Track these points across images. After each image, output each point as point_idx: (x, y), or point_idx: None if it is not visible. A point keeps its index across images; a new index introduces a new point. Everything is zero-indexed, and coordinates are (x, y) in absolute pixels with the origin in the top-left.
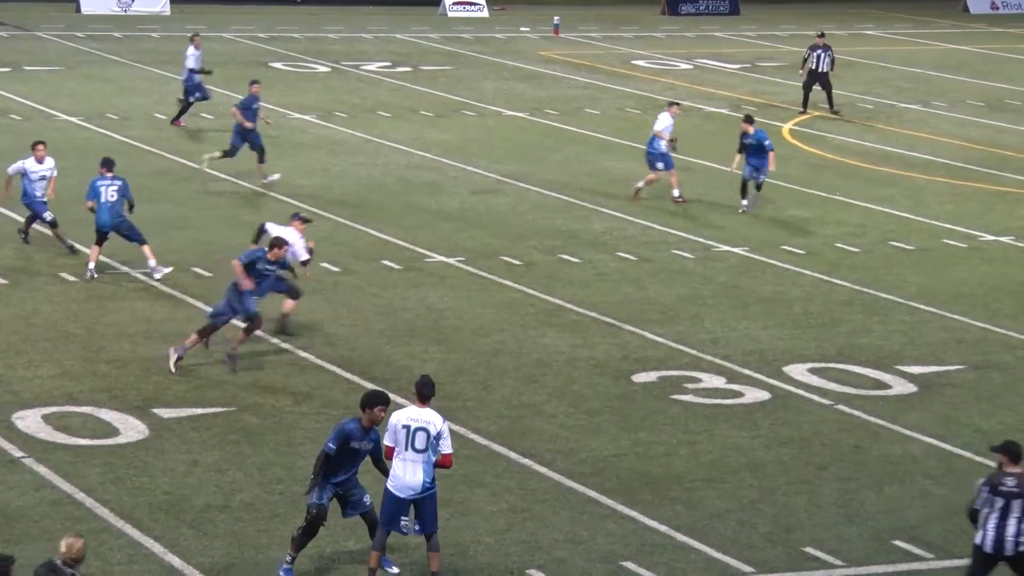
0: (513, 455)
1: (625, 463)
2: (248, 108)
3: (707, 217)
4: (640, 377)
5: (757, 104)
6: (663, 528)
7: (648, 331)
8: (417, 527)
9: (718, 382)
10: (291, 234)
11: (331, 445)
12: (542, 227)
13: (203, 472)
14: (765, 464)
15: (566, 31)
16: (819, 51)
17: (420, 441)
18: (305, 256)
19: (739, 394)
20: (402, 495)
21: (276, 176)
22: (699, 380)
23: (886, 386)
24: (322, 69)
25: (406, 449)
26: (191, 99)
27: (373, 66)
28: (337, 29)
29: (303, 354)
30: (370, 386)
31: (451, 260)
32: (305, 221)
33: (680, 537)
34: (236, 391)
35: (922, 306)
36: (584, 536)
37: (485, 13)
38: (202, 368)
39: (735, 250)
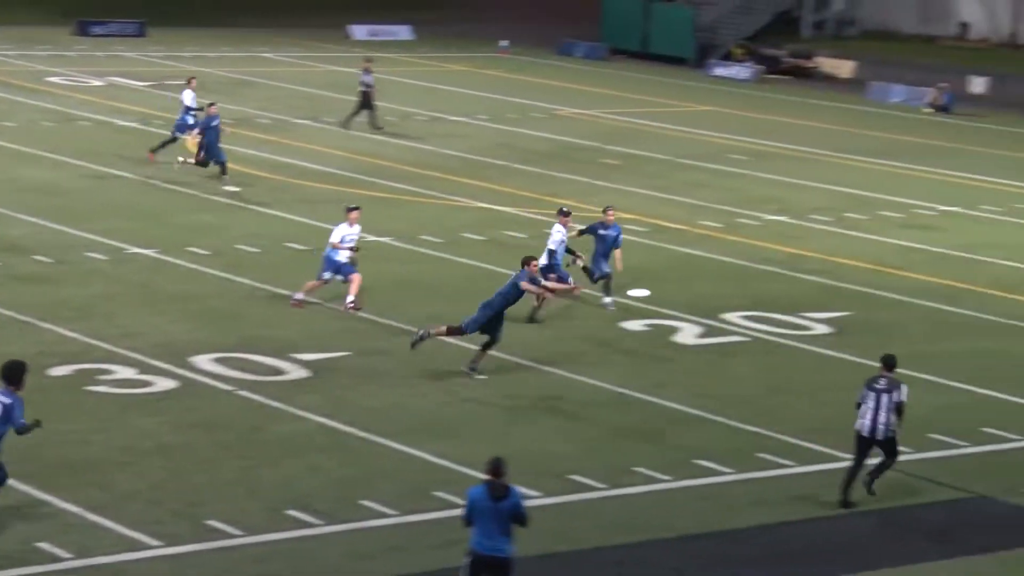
0: None
1: (45, 451)
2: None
3: (117, 221)
4: (56, 371)
5: (165, 119)
6: (77, 509)
7: (64, 328)
8: None
9: (130, 373)
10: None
11: None
12: None
13: None
14: (173, 447)
15: None
16: (365, 74)
17: None
18: None
19: (150, 384)
20: None
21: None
22: (112, 372)
23: (283, 372)
24: None
25: None
26: (177, 135)
27: None
28: None
29: None
30: None
31: None
32: None
33: (93, 517)
34: None
35: (314, 300)
36: None
37: None
38: None
39: (146, 252)
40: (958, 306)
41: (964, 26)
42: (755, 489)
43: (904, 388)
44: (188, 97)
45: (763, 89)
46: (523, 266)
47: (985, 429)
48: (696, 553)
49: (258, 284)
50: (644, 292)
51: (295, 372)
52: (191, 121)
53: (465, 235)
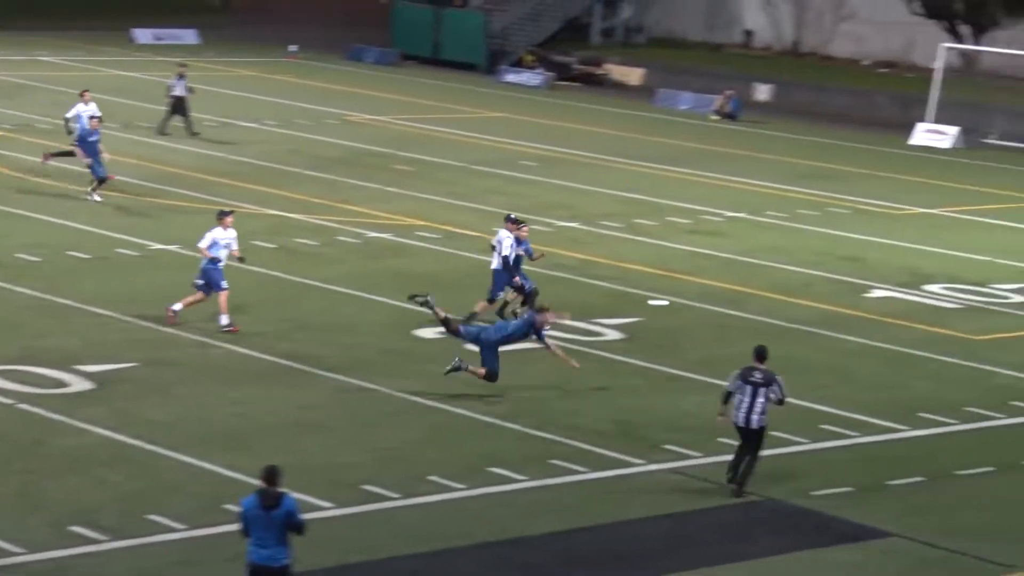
0: None
1: None
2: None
3: None
4: None
5: None
6: None
7: None
8: None
9: None
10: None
11: None
12: None
13: None
14: None
15: None
16: (178, 80)
17: None
18: None
19: None
20: None
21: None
22: None
23: (65, 384)
24: None
25: None
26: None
27: None
28: None
29: None
30: None
31: None
32: None
33: None
34: None
35: (100, 310)
36: None
37: None
38: None
39: None
40: (743, 310)
41: (749, 34)
42: (549, 495)
43: (781, 382)
44: (80, 109)
45: (554, 96)
46: (535, 310)
47: (772, 432)
48: (492, 561)
49: (39, 294)
50: (663, 302)
51: (78, 384)
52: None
53: (255, 243)
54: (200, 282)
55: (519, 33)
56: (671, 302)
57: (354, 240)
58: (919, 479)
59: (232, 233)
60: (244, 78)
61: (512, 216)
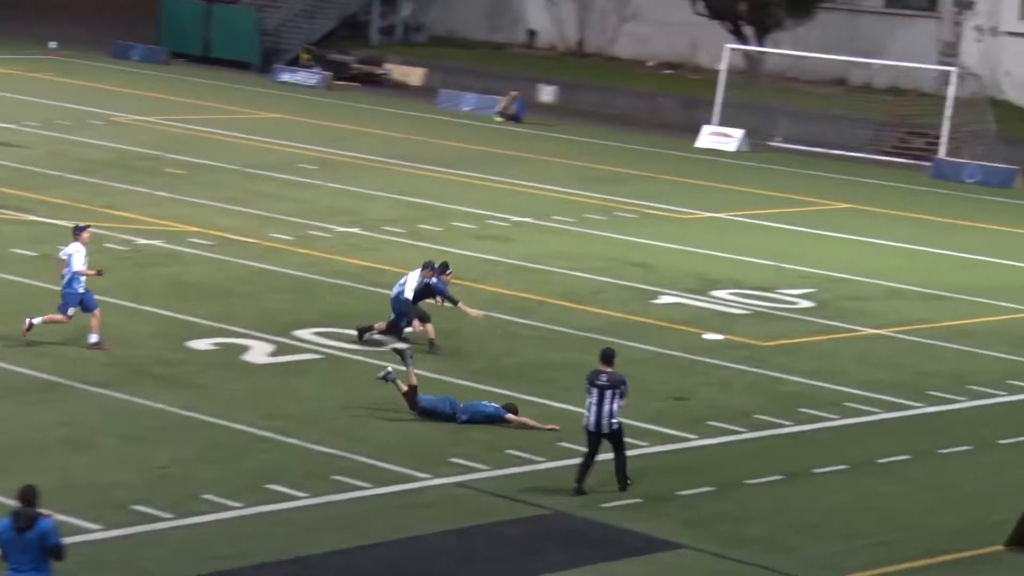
0: None
1: None
2: None
3: None
4: None
5: None
6: None
7: None
8: None
9: None
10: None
11: None
12: None
13: None
14: None
15: None
16: None
17: None
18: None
19: None
20: None
21: None
22: None
23: None
24: None
25: None
26: None
27: None
28: None
29: None
30: None
31: None
32: None
33: None
34: None
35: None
36: None
37: None
38: None
39: None
40: (531, 318)
41: (532, 34)
42: (331, 513)
43: (627, 386)
44: None
45: (332, 96)
46: (505, 408)
47: (558, 443)
48: None
49: None
50: (718, 336)
51: None
52: None
53: (14, 251)
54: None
55: (294, 30)
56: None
57: (122, 247)
58: (708, 489)
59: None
60: (1, 76)
61: (439, 266)
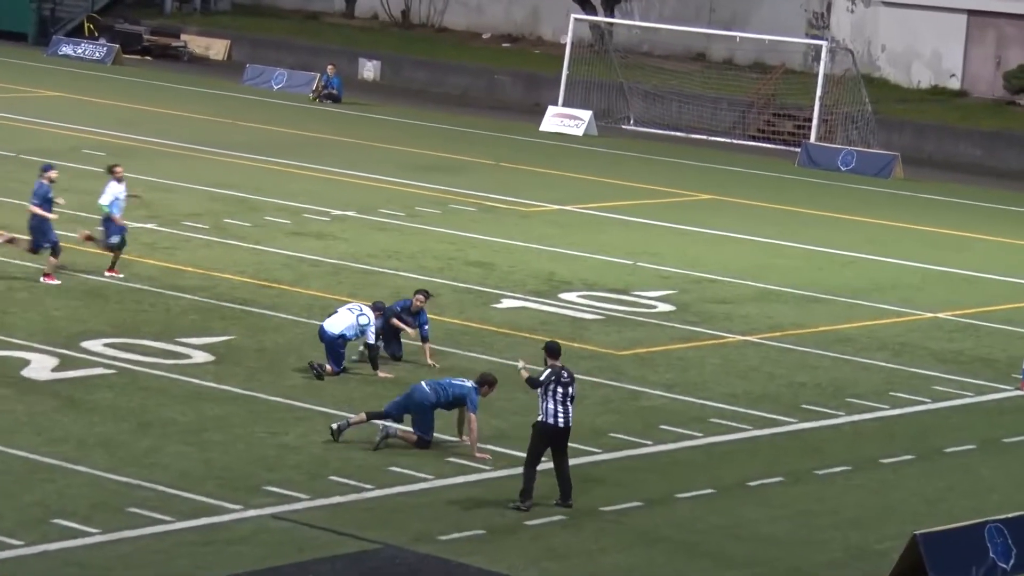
0: None
1: None
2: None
3: None
4: None
5: None
6: None
7: None
8: None
9: None
10: None
11: None
12: None
13: None
14: None
15: None
16: None
17: None
18: None
19: None
20: None
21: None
22: None
23: None
24: None
25: None
26: None
27: None
28: None
29: None
30: None
31: None
32: None
33: None
34: None
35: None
36: None
37: None
38: None
39: None
40: None
41: (351, 1)
42: (125, 551)
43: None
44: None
45: (121, 72)
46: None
47: (389, 468)
48: None
49: None
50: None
51: None
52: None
53: None
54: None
55: None
56: (272, 316)
57: None
58: (559, 518)
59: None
60: None
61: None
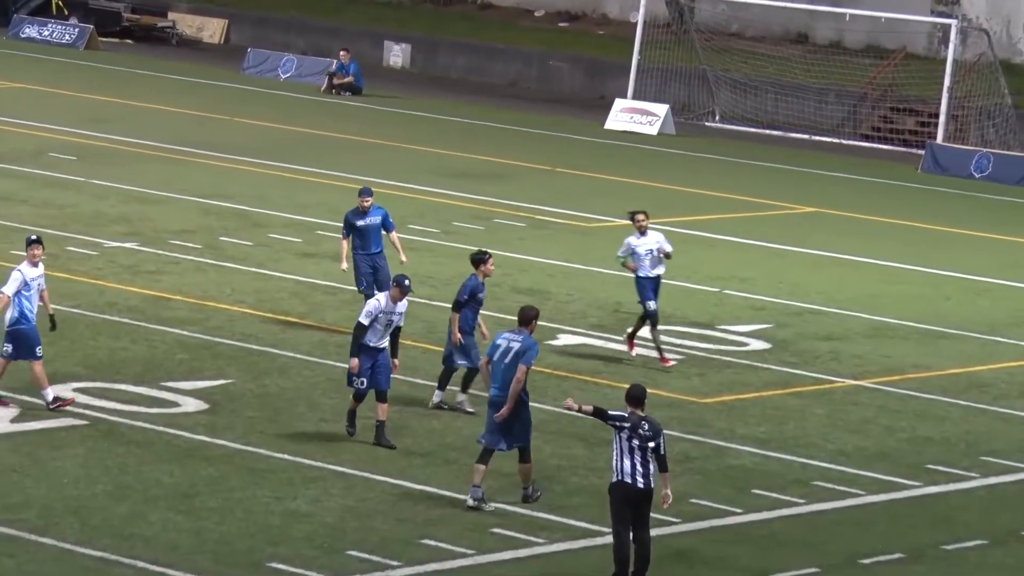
0: None
1: None
2: None
3: None
4: None
5: None
6: None
7: None
8: None
9: None
10: None
11: None
12: None
13: None
14: None
15: None
16: None
17: None
18: None
19: None
20: None
21: None
22: None
23: None
24: None
25: None
26: None
27: None
28: None
29: None
30: None
31: None
32: None
33: None
34: None
35: None
36: None
37: None
38: None
39: None
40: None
41: None
42: None
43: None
44: None
45: (96, 58)
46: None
47: (424, 541)
48: None
49: None
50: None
51: None
52: None
53: None
54: (8, 347)
55: None
56: (276, 355)
57: None
58: None
59: (41, 269)
60: None
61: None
